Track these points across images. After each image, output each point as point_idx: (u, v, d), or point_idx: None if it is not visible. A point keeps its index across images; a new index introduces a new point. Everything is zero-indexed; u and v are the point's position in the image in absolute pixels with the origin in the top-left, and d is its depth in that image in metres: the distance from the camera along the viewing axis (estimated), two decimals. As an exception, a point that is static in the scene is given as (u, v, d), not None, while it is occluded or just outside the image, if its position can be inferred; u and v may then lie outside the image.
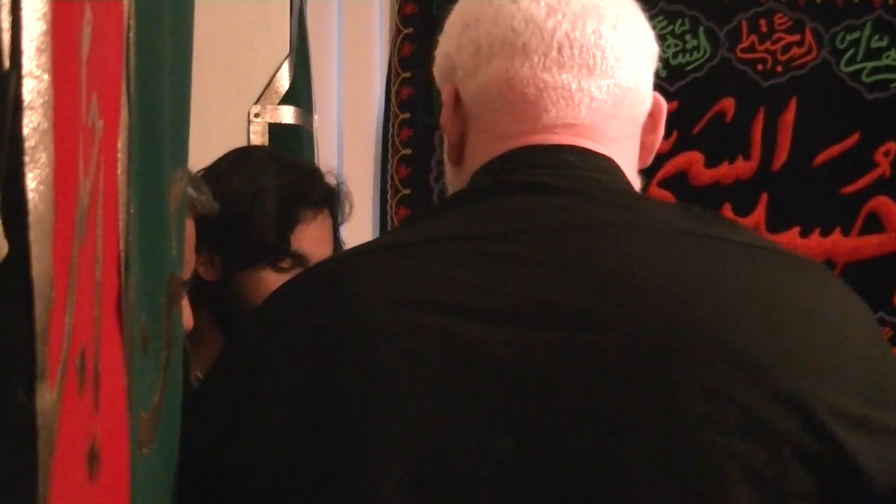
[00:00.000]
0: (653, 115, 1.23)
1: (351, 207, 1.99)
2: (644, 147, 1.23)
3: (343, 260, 1.15)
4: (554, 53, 1.15)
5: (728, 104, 2.97)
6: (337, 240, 1.95)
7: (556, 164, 1.14)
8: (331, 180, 1.96)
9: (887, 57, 2.93)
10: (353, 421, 1.00)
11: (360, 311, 1.03)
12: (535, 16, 1.16)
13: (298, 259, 1.84)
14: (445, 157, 1.25)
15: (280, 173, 1.88)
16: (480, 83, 1.18)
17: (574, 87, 1.15)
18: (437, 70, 1.26)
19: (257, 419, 1.03)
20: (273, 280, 1.81)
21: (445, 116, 1.22)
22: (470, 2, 1.23)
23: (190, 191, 1.59)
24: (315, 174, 1.96)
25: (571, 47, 1.15)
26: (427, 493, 0.98)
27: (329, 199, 1.91)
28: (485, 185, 1.15)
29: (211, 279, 1.83)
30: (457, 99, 1.20)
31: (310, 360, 1.03)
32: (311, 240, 1.85)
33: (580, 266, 1.04)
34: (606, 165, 1.16)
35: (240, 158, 1.93)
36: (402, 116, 3.03)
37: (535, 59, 1.15)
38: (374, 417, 1.00)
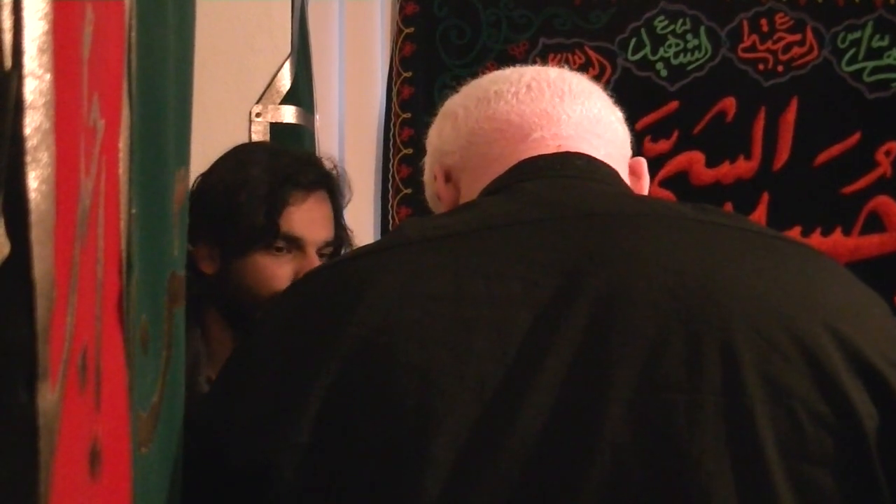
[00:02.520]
0: (635, 172, 1.31)
1: (350, 192, 1.98)
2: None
3: (355, 259, 1.17)
4: (524, 91, 1.27)
5: (729, 104, 2.97)
6: (340, 224, 1.94)
7: (564, 167, 1.19)
8: (327, 164, 1.95)
9: (888, 56, 2.93)
10: (389, 413, 1.02)
11: (386, 307, 1.05)
12: (499, 75, 1.31)
13: (291, 241, 1.82)
14: None
15: (269, 160, 1.87)
16: (464, 137, 1.27)
17: (550, 110, 1.25)
18: (429, 174, 1.34)
19: (291, 418, 1.04)
20: (268, 263, 1.81)
21: (440, 190, 1.30)
22: (441, 108, 1.35)
23: None
24: (307, 158, 1.95)
25: (539, 83, 1.27)
26: (464, 475, 1.00)
27: (324, 182, 1.89)
28: (496, 192, 1.19)
29: (212, 272, 1.82)
30: (447, 175, 1.29)
31: (342, 357, 1.04)
32: (303, 221, 1.84)
33: (606, 248, 1.07)
34: (611, 172, 1.23)
35: (233, 151, 1.94)
36: (404, 116, 3.03)
37: (509, 97, 1.26)
38: (412, 408, 1.01)
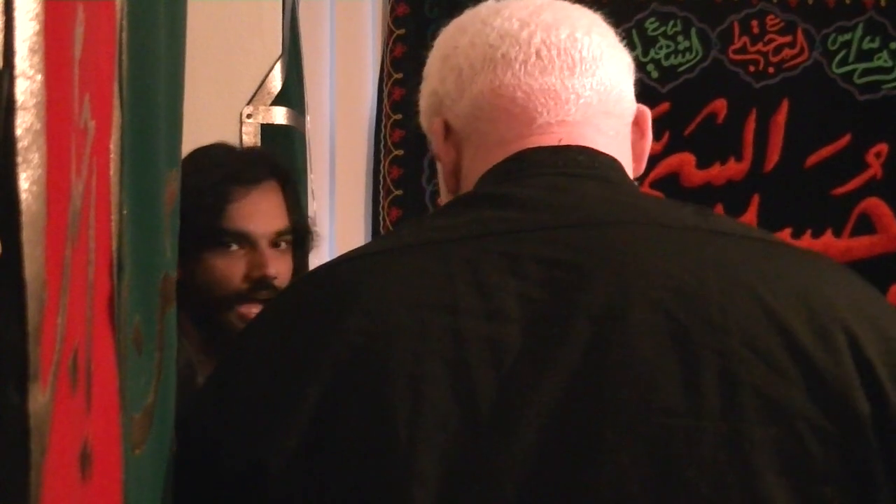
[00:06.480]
0: (638, 124, 1.25)
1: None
2: (635, 154, 1.25)
3: (350, 261, 1.16)
4: (533, 59, 1.19)
5: (720, 105, 2.97)
6: (298, 212, 1.95)
7: (565, 164, 1.16)
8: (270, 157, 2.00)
9: (879, 58, 2.94)
10: (380, 423, 1.01)
11: (381, 313, 1.04)
12: (510, 30, 1.20)
13: (238, 236, 1.84)
14: (442, 187, 1.27)
15: (212, 163, 1.89)
16: (468, 102, 1.21)
17: (559, 86, 1.19)
18: (425, 111, 1.29)
19: (283, 421, 1.03)
20: (219, 262, 1.83)
21: (438, 147, 1.25)
22: (445, 35, 1.28)
23: None
24: (255, 154, 2.00)
25: (549, 51, 1.19)
26: (454, 491, 0.99)
27: (270, 174, 1.91)
28: (495, 189, 1.16)
29: (178, 278, 1.83)
30: (447, 129, 1.24)
31: (335, 362, 1.03)
32: (247, 216, 1.85)
33: (602, 263, 1.05)
34: (613, 164, 1.19)
35: (188, 156, 1.89)
36: (395, 117, 3.03)
37: (517, 66, 1.19)
38: (403, 419, 1.00)
